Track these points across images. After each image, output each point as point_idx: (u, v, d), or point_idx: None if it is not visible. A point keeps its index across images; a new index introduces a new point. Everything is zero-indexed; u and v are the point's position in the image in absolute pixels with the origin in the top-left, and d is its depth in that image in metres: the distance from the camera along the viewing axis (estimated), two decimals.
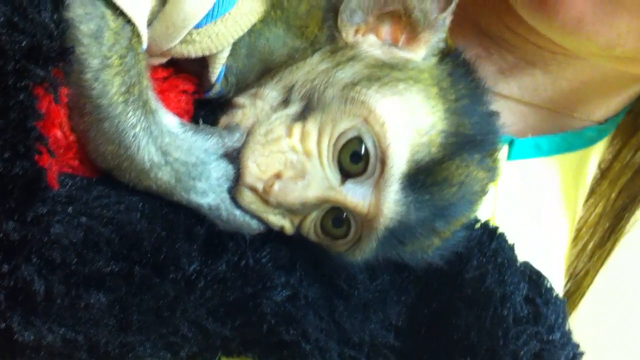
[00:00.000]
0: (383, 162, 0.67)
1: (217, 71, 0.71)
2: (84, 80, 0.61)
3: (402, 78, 0.70)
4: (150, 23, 0.66)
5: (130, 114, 0.62)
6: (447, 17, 0.71)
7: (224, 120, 0.72)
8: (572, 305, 1.07)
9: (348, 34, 0.72)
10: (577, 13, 0.78)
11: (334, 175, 0.68)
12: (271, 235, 0.71)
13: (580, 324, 0.99)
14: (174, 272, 0.65)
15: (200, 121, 0.69)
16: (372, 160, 0.67)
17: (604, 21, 0.78)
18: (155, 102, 0.65)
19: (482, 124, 0.72)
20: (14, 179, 0.57)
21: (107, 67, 0.61)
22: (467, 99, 0.72)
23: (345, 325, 0.71)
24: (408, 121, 0.68)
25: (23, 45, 0.57)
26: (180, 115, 0.71)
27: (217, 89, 0.73)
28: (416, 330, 0.75)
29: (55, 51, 0.59)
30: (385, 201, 0.67)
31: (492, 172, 0.73)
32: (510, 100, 1.00)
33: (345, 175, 0.68)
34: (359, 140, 0.67)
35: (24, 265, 0.59)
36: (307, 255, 0.73)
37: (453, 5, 0.70)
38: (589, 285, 1.07)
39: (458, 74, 0.73)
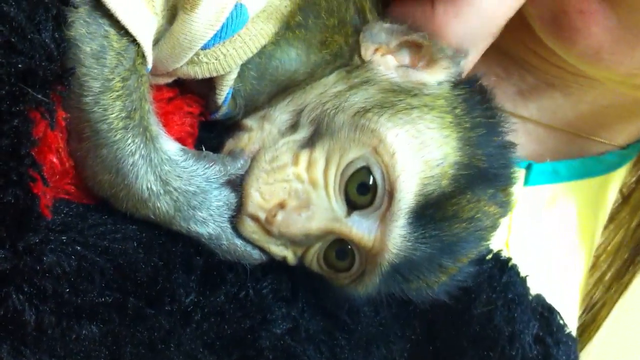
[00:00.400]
0: (391, 194, 0.64)
1: (224, 93, 0.69)
2: (83, 104, 0.59)
3: (416, 105, 0.67)
4: (156, 42, 0.64)
5: (129, 141, 0.60)
6: (466, 58, 0.69)
7: (229, 144, 0.70)
8: (587, 338, 1.04)
9: (367, 51, 0.70)
10: (596, 44, 0.75)
11: (339, 207, 0.66)
12: (273, 265, 0.69)
13: (595, 358, 0.96)
14: (170, 304, 0.63)
15: (203, 147, 0.67)
16: (379, 192, 0.65)
17: (623, 52, 0.75)
18: (156, 128, 0.63)
19: (497, 156, 0.69)
20: (5, 206, 0.55)
21: (108, 90, 0.60)
22: (482, 128, 0.69)
23: None
24: (419, 152, 0.65)
25: (19, 67, 0.55)
26: (184, 138, 0.69)
27: (223, 110, 0.71)
28: None
29: (54, 73, 0.57)
30: (390, 236, 0.64)
31: (504, 207, 0.70)
32: (528, 122, 0.97)
33: (352, 206, 0.66)
34: (367, 170, 0.65)
35: (15, 294, 0.57)
36: (309, 287, 0.71)
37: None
38: (605, 318, 1.04)
39: (474, 100, 0.70)
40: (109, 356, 0.61)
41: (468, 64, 0.71)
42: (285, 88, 0.70)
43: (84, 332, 0.60)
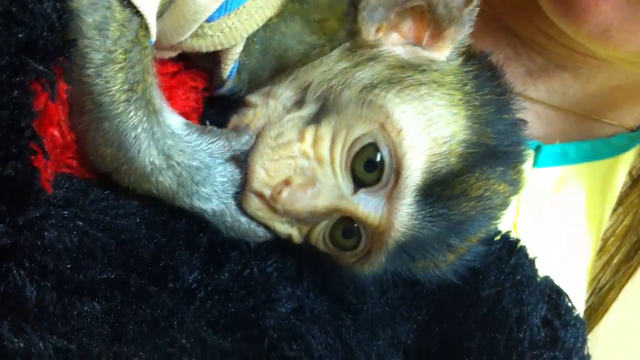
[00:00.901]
0: (398, 172, 0.63)
1: (229, 67, 0.68)
2: (85, 76, 0.58)
3: (424, 81, 0.66)
4: (160, 14, 0.63)
5: (132, 114, 0.59)
6: (473, 10, 0.66)
7: (234, 120, 0.69)
8: (594, 321, 1.03)
9: (369, 33, 0.68)
10: (605, 21, 0.74)
11: (346, 184, 0.65)
12: (278, 243, 0.68)
13: (603, 340, 0.95)
14: (173, 282, 0.62)
15: (207, 122, 0.66)
16: (386, 169, 0.64)
17: (633, 30, 0.74)
18: (159, 101, 0.61)
19: (507, 134, 0.68)
20: (5, 180, 0.53)
21: (110, 62, 0.58)
22: (492, 105, 0.67)
23: (351, 342, 0.68)
24: (427, 129, 0.64)
25: (20, 37, 0.54)
26: (188, 113, 0.68)
27: (228, 85, 0.70)
28: (426, 350, 0.72)
29: (55, 45, 0.56)
30: (397, 214, 0.63)
31: (514, 185, 0.69)
32: (538, 103, 0.96)
33: (358, 184, 0.65)
34: (374, 147, 0.64)
35: (16, 269, 0.56)
36: (315, 266, 0.70)
37: None
38: (613, 301, 1.03)
39: (484, 77, 0.69)
40: (111, 333, 0.60)
41: None
42: (287, 65, 0.69)
43: (85, 308, 0.59)
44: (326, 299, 0.70)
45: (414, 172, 0.63)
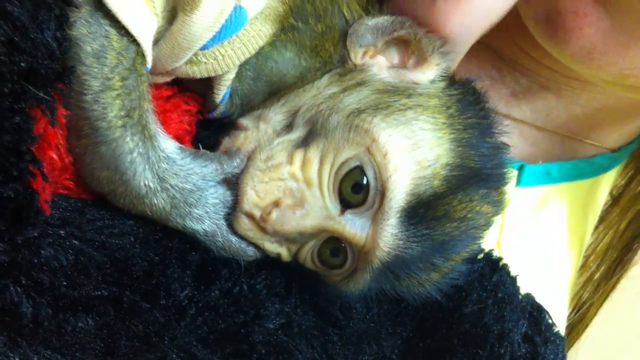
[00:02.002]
0: (382, 194, 0.65)
1: (222, 92, 0.70)
2: (83, 102, 0.60)
3: (410, 105, 0.68)
4: (156, 42, 0.65)
5: (128, 139, 0.61)
6: (454, 51, 0.70)
7: (225, 142, 0.71)
8: (575, 337, 1.05)
9: (357, 56, 0.71)
10: (588, 44, 0.76)
11: (333, 205, 0.67)
12: (267, 261, 0.70)
13: (583, 356, 0.98)
14: (165, 298, 0.64)
15: (200, 146, 0.68)
16: (372, 191, 0.66)
17: (616, 52, 0.76)
18: (154, 126, 0.64)
19: (490, 157, 0.70)
20: (5, 201, 0.56)
21: (108, 88, 0.60)
22: (475, 128, 0.70)
23: (337, 357, 0.70)
24: (412, 153, 0.66)
25: (22, 65, 0.56)
26: (182, 136, 0.70)
27: (221, 109, 0.72)
28: None
29: (55, 72, 0.58)
30: (382, 234, 0.65)
31: (497, 205, 0.71)
32: (522, 124, 0.98)
33: (345, 205, 0.67)
34: (360, 170, 0.66)
35: (12, 286, 0.58)
36: (303, 283, 0.72)
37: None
38: (593, 317, 1.05)
39: (467, 101, 0.71)
40: (104, 348, 0.62)
41: (457, 57, 0.72)
42: (278, 90, 0.72)
43: (79, 324, 0.60)
44: (313, 315, 0.72)
45: (398, 195, 0.65)
